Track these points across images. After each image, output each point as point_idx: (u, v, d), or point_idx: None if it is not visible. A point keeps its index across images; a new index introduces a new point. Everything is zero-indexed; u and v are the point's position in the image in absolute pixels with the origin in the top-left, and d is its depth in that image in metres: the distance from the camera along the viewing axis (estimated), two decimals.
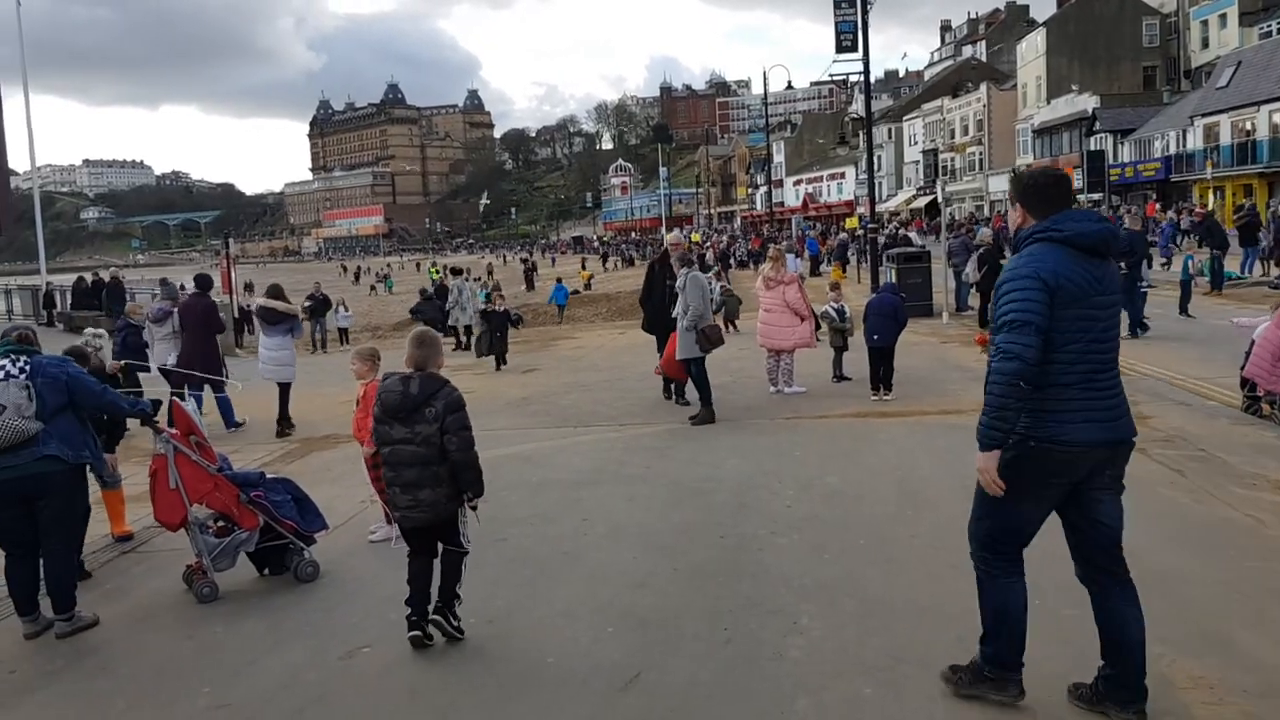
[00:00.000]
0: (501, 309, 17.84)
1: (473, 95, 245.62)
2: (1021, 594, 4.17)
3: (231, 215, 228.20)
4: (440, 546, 5.15)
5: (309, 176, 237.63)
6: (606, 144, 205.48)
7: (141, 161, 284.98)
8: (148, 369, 11.86)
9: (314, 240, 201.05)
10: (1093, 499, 4.04)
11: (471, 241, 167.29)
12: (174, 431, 6.22)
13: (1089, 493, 4.03)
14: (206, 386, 11.80)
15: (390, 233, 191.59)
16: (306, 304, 25.82)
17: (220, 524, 6.30)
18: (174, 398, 6.46)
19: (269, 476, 6.73)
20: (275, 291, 12.74)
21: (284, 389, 11.91)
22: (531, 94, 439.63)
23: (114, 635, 5.69)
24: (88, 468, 5.90)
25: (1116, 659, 4.04)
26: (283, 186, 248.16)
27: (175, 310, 12.43)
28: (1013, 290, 3.86)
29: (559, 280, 37.83)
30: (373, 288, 62.97)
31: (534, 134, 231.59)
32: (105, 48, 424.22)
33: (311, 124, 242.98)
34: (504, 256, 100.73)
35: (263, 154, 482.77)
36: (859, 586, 5.63)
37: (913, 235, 40.78)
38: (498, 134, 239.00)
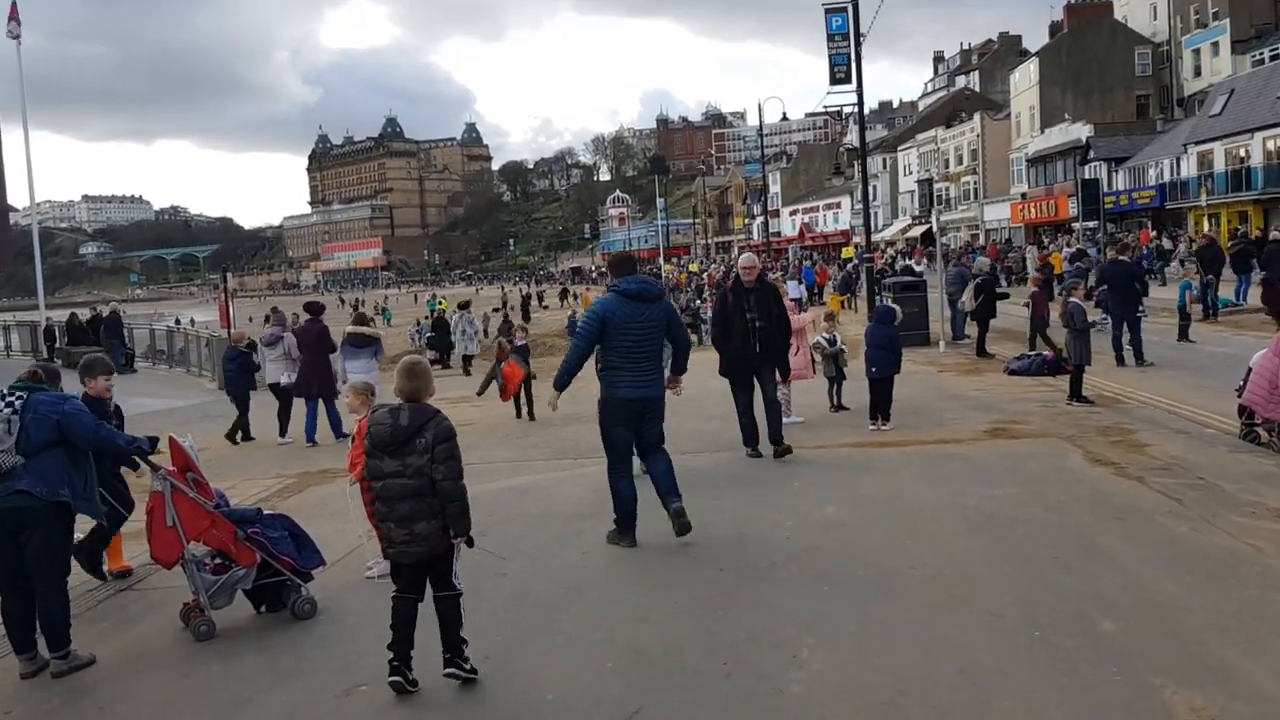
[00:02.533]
0: (522, 343, 15.76)
1: (470, 128, 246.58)
2: (630, 485, 7.42)
3: (230, 249, 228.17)
4: (431, 592, 5.03)
5: (307, 210, 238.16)
6: (604, 175, 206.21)
7: (140, 196, 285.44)
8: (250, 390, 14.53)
9: (312, 273, 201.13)
10: (644, 426, 7.35)
11: (470, 273, 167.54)
12: (171, 469, 6.21)
13: (642, 422, 7.33)
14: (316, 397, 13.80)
15: (389, 265, 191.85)
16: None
17: (217, 561, 6.27)
18: (170, 435, 6.43)
19: (266, 513, 6.72)
20: (361, 318, 14.68)
21: None
22: (527, 126, 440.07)
23: (111, 673, 5.66)
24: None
25: (657, 480, 7.39)
26: (281, 220, 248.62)
27: (284, 335, 14.35)
28: (586, 316, 7.50)
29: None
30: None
31: (532, 166, 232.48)
32: (99, 84, 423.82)
33: (310, 157, 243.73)
34: (503, 288, 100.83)
35: (261, 188, 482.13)
36: (859, 618, 5.61)
37: (914, 264, 41.00)
38: (495, 166, 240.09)
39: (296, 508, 8.87)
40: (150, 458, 6.29)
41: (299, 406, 14.29)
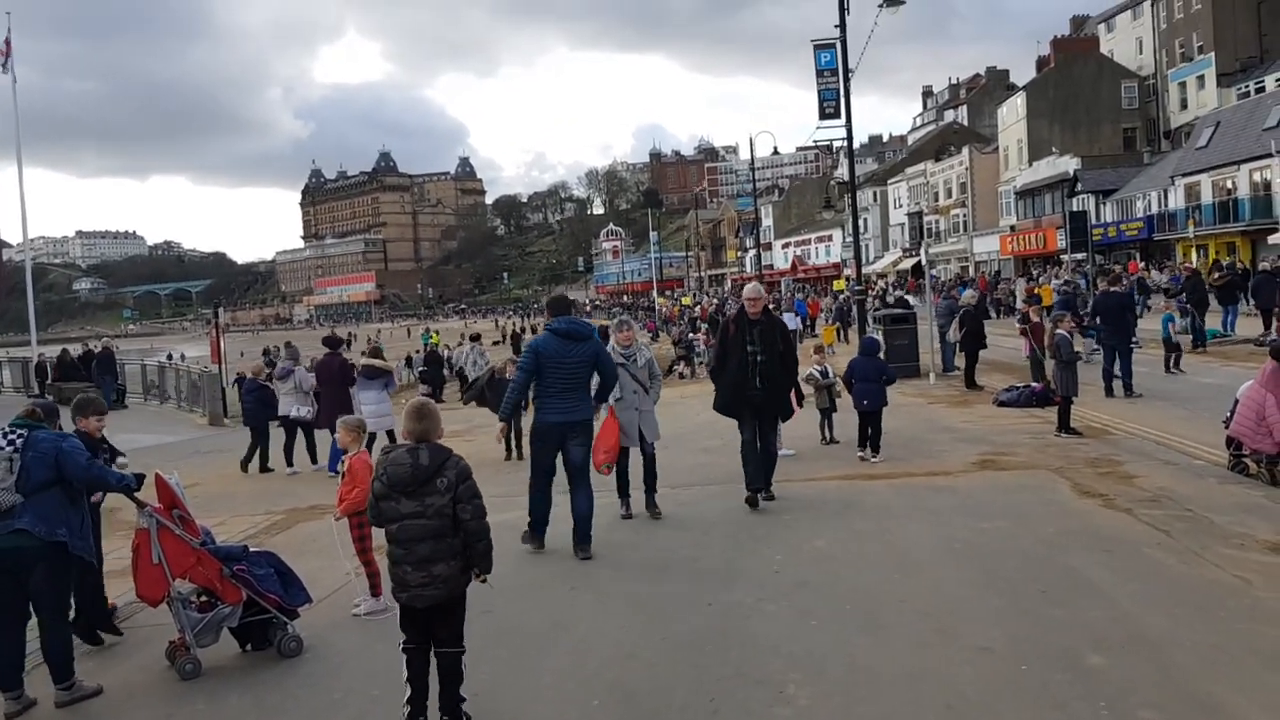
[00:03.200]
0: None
1: (464, 162, 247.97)
2: (544, 497, 8.38)
3: (223, 284, 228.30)
4: (434, 649, 4.92)
5: (300, 244, 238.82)
6: (597, 209, 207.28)
7: (134, 232, 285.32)
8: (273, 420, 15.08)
9: (305, 308, 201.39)
10: (566, 449, 8.27)
11: (463, 307, 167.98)
12: (157, 506, 6.19)
13: (567, 446, 8.26)
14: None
15: (382, 299, 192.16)
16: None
17: (203, 599, 6.24)
18: (157, 471, 6.42)
19: (252, 550, 6.70)
20: (375, 352, 15.59)
21: (390, 435, 13.45)
22: (520, 160, 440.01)
23: (96, 713, 5.63)
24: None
25: (576, 524, 8.21)
26: (274, 254, 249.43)
27: (295, 369, 15.06)
28: (524, 352, 8.61)
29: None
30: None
31: (525, 200, 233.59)
32: (93, 120, 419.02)
33: (303, 192, 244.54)
34: (496, 321, 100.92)
35: (254, 222, 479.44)
36: (846, 654, 5.59)
37: (906, 296, 41.24)
38: (489, 200, 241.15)
39: (284, 545, 8.85)
40: (136, 495, 6.28)
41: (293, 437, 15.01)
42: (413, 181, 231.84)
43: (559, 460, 8.34)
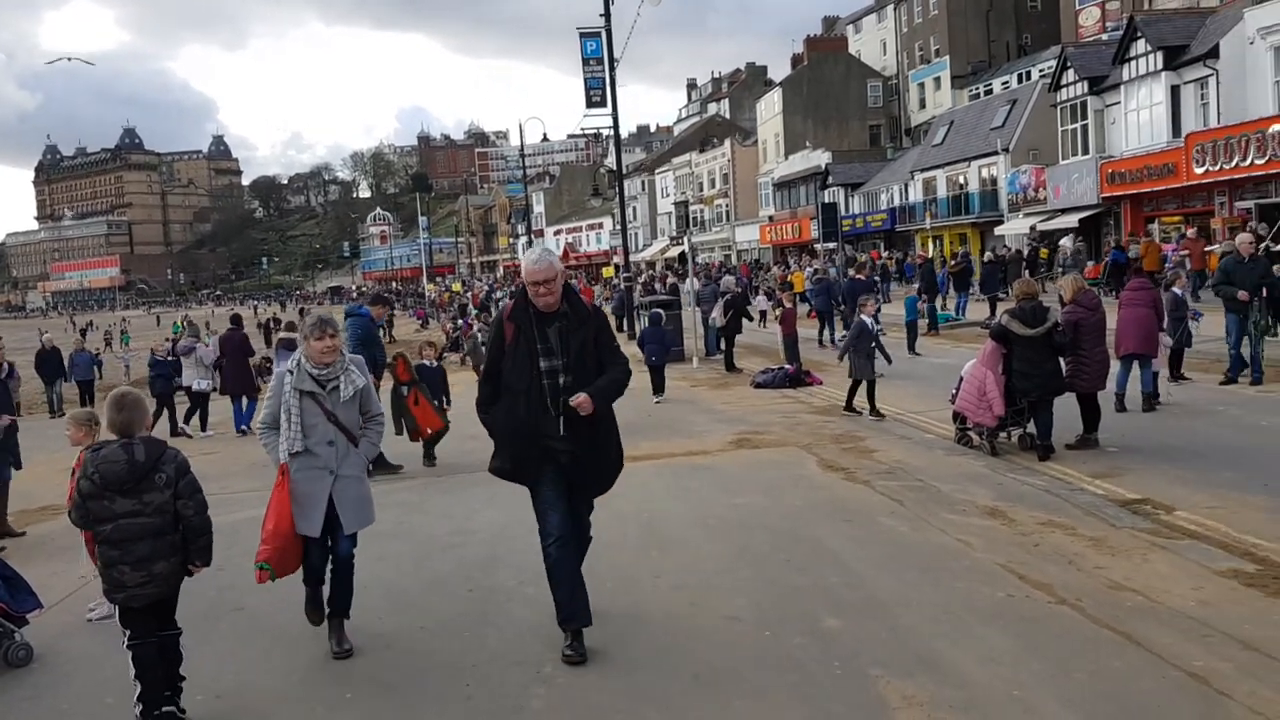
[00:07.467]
0: (434, 364, 12.29)
1: (218, 141, 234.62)
2: None
3: None
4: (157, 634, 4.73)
5: (34, 225, 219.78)
6: (364, 192, 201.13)
7: None
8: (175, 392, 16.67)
9: (41, 294, 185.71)
10: None
11: (219, 294, 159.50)
12: None
13: None
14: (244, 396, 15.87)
15: (128, 285, 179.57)
16: None
17: None
18: None
19: None
20: (290, 326, 17.30)
21: None
22: (275, 139, 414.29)
23: None
24: None
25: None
26: (4, 236, 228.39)
27: (197, 345, 16.71)
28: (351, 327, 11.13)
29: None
30: (108, 344, 58.77)
31: (286, 182, 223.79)
32: None
33: (37, 169, 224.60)
34: (255, 308, 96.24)
35: None
36: (602, 631, 5.69)
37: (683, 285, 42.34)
38: (246, 181, 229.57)
39: (11, 548, 8.18)
40: None
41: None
42: (161, 160, 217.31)
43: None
